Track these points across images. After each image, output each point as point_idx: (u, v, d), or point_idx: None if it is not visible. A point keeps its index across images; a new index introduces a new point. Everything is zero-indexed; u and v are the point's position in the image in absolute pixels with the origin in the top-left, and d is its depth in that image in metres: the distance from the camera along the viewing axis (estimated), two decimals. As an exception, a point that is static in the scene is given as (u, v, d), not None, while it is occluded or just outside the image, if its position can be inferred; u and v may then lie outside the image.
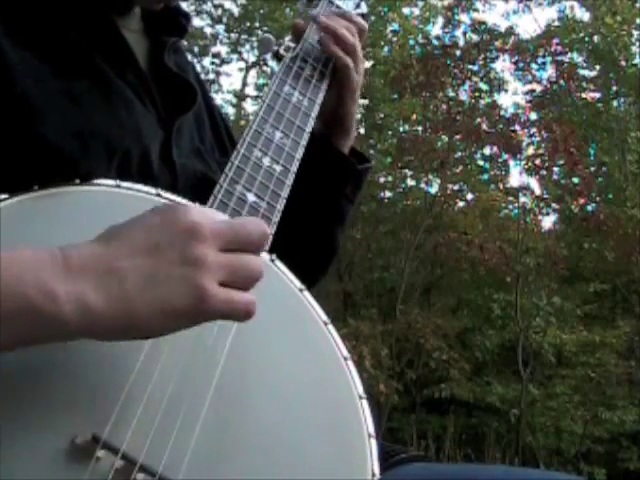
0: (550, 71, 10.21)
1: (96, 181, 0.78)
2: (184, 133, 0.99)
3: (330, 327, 0.82)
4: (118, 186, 0.79)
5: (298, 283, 0.84)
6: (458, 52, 9.92)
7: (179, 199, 0.82)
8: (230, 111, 12.96)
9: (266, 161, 0.91)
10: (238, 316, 0.66)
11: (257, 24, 12.61)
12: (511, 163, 10.14)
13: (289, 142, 0.95)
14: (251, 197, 0.86)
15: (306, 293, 0.84)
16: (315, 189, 1.03)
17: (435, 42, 10.57)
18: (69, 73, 0.86)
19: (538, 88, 10.23)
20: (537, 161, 9.63)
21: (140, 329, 0.62)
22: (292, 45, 1.06)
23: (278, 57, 1.04)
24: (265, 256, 0.83)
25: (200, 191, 0.85)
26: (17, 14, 0.87)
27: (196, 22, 12.28)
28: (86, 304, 0.60)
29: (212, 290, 0.63)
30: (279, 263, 0.84)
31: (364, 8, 1.16)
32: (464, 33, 10.28)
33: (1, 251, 0.60)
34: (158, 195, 0.80)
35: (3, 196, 0.72)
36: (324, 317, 0.83)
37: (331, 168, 1.09)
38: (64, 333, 0.61)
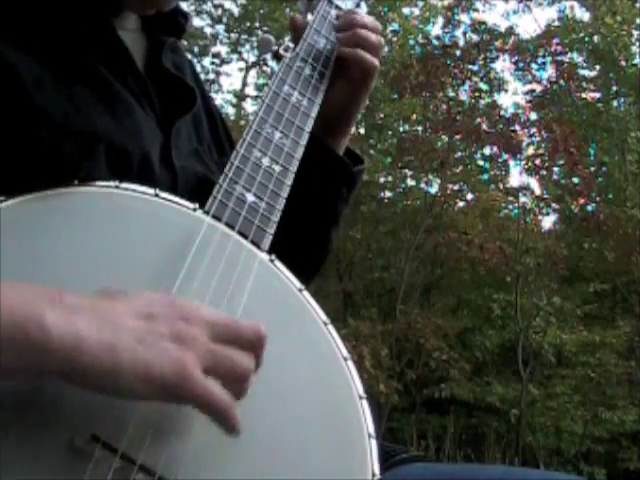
0: (550, 71, 10.24)
1: (95, 182, 0.78)
2: (182, 134, 0.99)
3: (330, 327, 0.82)
4: (117, 187, 0.79)
5: (297, 283, 0.84)
6: (458, 52, 9.93)
7: (178, 199, 0.82)
8: (230, 111, 12.99)
9: (265, 161, 0.91)
10: (212, 410, 0.63)
11: (257, 24, 12.62)
12: (511, 163, 10.16)
13: (288, 142, 0.94)
14: (250, 197, 0.86)
15: (305, 293, 0.84)
16: (310, 190, 1.02)
17: (435, 42, 10.59)
18: (69, 77, 0.86)
19: (538, 88, 10.25)
20: (537, 161, 9.64)
21: (117, 382, 0.61)
22: (291, 45, 1.06)
23: (278, 57, 1.04)
24: (264, 256, 0.83)
25: (200, 193, 0.85)
26: (16, 19, 0.87)
27: (196, 22, 12.30)
28: (77, 335, 0.60)
29: (194, 371, 0.62)
30: (278, 263, 0.84)
31: (364, 8, 1.16)
32: (464, 33, 10.30)
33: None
34: (156, 195, 0.81)
35: (2, 197, 0.72)
36: (324, 317, 0.83)
37: (327, 170, 1.09)
38: (45, 363, 0.60)
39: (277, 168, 0.91)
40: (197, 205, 0.82)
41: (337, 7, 1.13)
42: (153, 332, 0.63)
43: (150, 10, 0.99)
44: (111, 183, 0.79)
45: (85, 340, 0.60)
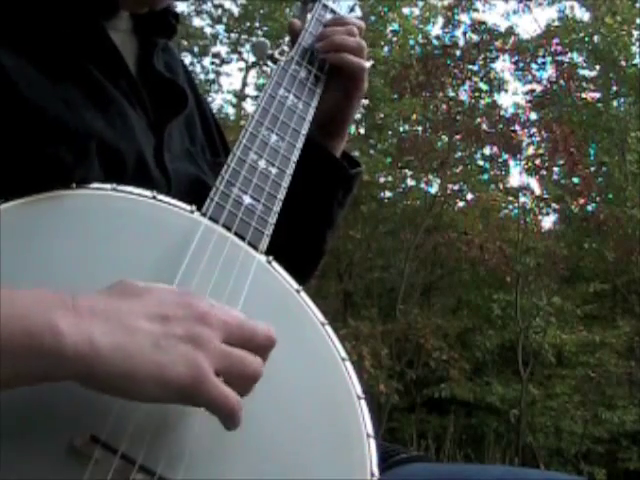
0: (550, 71, 10.23)
1: (92, 185, 0.79)
2: (174, 136, 0.99)
3: (328, 328, 0.82)
4: (114, 189, 0.79)
5: (295, 284, 0.84)
6: (458, 52, 9.93)
7: (175, 201, 0.82)
8: (230, 111, 13.00)
9: (262, 163, 0.91)
10: (222, 412, 0.64)
11: (257, 24, 12.62)
12: (511, 163, 10.16)
13: (284, 145, 0.95)
14: (247, 199, 0.87)
15: (303, 294, 0.84)
16: (307, 193, 1.03)
17: (435, 42, 10.58)
18: (62, 79, 0.85)
19: (538, 88, 10.24)
20: (537, 161, 9.65)
21: (133, 386, 0.62)
22: (287, 49, 1.06)
23: (273, 60, 1.05)
24: (262, 257, 0.84)
25: (193, 194, 0.86)
26: (9, 21, 0.86)
27: (196, 22, 12.31)
28: (91, 341, 0.60)
29: (209, 374, 0.63)
30: (276, 264, 0.84)
31: (359, 12, 1.17)
32: (464, 33, 10.28)
33: (9, 288, 0.61)
34: (154, 198, 0.81)
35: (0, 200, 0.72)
36: (321, 318, 0.83)
37: (324, 173, 1.09)
38: (60, 370, 0.60)
39: (273, 170, 0.91)
40: (194, 207, 0.82)
41: (332, 11, 1.14)
42: (168, 335, 0.63)
43: (144, 8, 0.99)
44: (108, 185, 0.79)
45: (99, 346, 0.60)
